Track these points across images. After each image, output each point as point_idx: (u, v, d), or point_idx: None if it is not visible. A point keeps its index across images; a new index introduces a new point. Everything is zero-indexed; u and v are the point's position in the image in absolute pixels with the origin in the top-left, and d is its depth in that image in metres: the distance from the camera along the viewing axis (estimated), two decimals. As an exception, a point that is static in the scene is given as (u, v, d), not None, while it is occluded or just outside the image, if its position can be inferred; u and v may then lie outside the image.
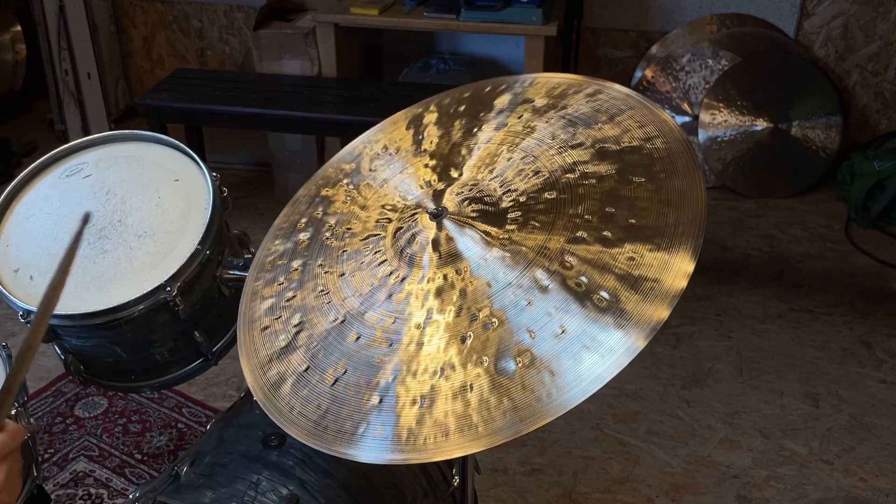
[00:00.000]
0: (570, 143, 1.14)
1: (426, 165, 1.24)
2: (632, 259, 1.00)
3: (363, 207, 1.24)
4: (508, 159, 1.16)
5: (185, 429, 2.37)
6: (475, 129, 1.24)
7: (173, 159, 1.59)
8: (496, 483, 2.19)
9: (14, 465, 0.94)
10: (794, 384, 2.51)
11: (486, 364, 0.98)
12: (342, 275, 1.15)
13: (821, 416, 2.40)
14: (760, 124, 3.44)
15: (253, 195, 3.51)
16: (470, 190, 1.15)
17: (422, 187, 1.20)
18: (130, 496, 1.32)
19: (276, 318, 1.16)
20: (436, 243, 1.11)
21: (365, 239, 1.18)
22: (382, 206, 1.22)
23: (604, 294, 0.98)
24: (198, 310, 1.50)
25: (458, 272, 1.07)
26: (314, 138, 3.41)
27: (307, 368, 1.08)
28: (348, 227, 1.22)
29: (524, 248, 1.05)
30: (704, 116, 3.45)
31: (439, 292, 1.06)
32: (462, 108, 1.30)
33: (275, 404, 1.08)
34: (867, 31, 3.46)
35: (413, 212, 1.17)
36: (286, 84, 3.28)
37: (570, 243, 1.03)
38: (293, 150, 3.43)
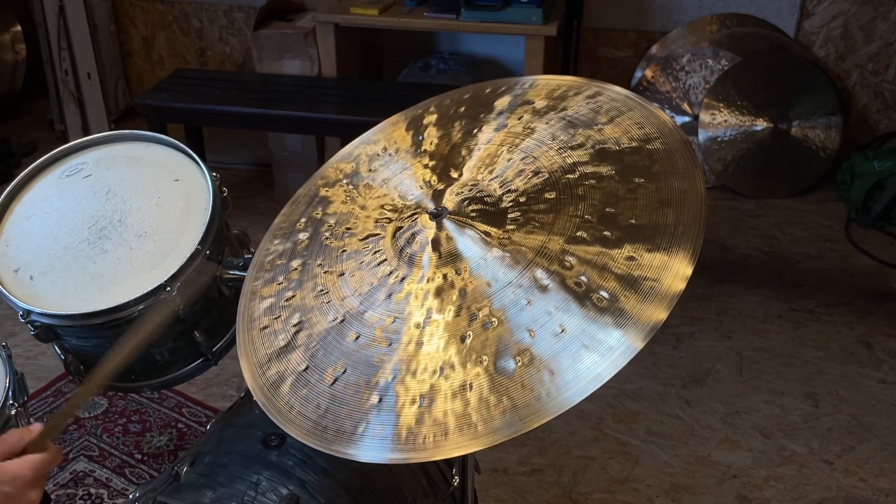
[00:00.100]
0: (569, 144, 1.15)
1: (426, 166, 1.24)
2: (631, 259, 1.00)
3: (363, 207, 1.24)
4: (508, 160, 1.16)
5: (185, 429, 2.37)
6: (475, 130, 1.24)
7: (173, 159, 1.59)
8: (496, 483, 2.19)
9: (43, 484, 0.99)
10: (794, 384, 2.51)
11: (485, 363, 0.98)
12: (341, 274, 1.15)
13: (821, 416, 2.40)
14: (760, 124, 3.44)
15: (253, 195, 3.51)
16: (470, 190, 1.15)
17: (421, 187, 1.20)
18: (130, 496, 1.32)
19: (276, 318, 1.16)
20: (435, 243, 1.11)
21: (364, 239, 1.18)
22: (382, 206, 1.22)
23: (603, 294, 0.98)
24: (198, 310, 1.50)
25: (457, 272, 1.07)
26: (314, 138, 3.41)
27: (306, 368, 1.08)
28: (348, 227, 1.22)
29: (524, 248, 1.05)
30: (704, 116, 3.46)
31: (439, 292, 1.06)
32: (462, 109, 1.30)
33: (274, 404, 1.08)
34: (867, 31, 3.46)
35: (413, 212, 1.17)
36: (286, 84, 3.28)
37: (569, 243, 1.04)
38: (293, 150, 3.43)
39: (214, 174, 1.53)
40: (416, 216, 1.15)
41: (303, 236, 1.25)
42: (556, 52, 3.43)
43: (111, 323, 1.42)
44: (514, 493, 2.16)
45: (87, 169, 1.59)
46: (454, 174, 1.19)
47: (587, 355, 0.95)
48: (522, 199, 1.10)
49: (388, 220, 1.19)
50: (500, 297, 1.02)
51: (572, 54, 3.56)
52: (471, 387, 0.97)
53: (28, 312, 1.41)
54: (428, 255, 1.10)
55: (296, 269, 1.21)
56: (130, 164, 1.59)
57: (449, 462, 1.47)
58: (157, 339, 1.50)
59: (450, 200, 1.14)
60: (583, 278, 1.00)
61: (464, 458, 1.36)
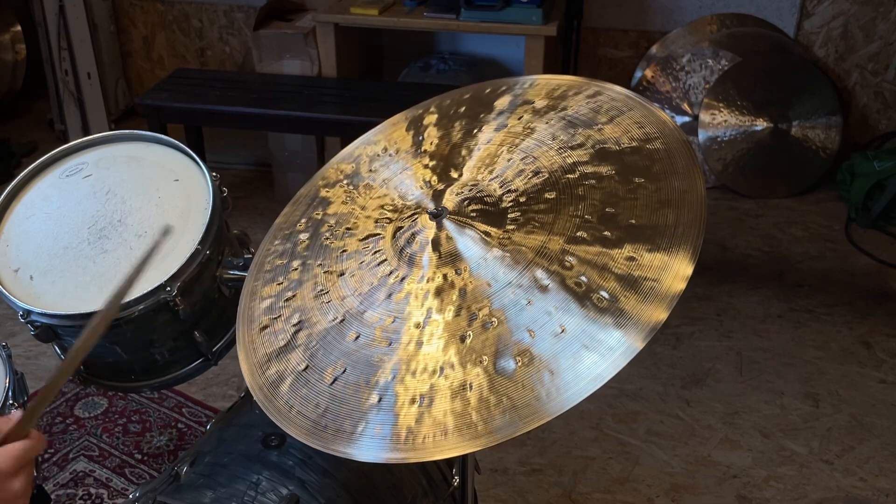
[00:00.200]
0: (569, 144, 1.15)
1: (426, 166, 1.24)
2: (631, 259, 1.00)
3: (363, 208, 1.24)
4: (508, 160, 1.16)
5: (185, 429, 2.37)
6: (475, 130, 1.24)
7: (173, 159, 1.59)
8: (496, 483, 2.19)
9: (30, 473, 0.96)
10: (794, 384, 2.51)
11: (485, 363, 0.98)
12: (341, 274, 1.15)
13: (821, 416, 2.40)
14: (760, 124, 3.44)
15: (253, 195, 3.51)
16: (470, 190, 1.15)
17: (422, 187, 1.20)
18: (130, 496, 1.32)
19: (276, 318, 1.16)
20: (435, 243, 1.11)
21: (364, 239, 1.18)
22: (382, 207, 1.22)
23: (603, 294, 0.98)
24: (198, 310, 1.50)
25: (457, 272, 1.07)
26: (314, 138, 3.41)
27: (306, 368, 1.08)
28: (348, 227, 1.22)
29: (524, 248, 1.05)
30: (704, 116, 3.46)
31: (439, 292, 1.06)
32: (462, 109, 1.30)
33: (274, 403, 1.08)
34: (867, 31, 3.46)
35: (413, 212, 1.17)
36: (286, 84, 3.28)
37: (569, 243, 1.04)
38: (293, 150, 3.43)
39: (214, 174, 1.53)
40: (416, 216, 1.16)
41: (303, 237, 1.25)
42: (556, 52, 3.43)
43: (111, 323, 1.41)
44: (514, 493, 2.16)
45: (87, 169, 1.59)
46: (454, 174, 1.19)
47: (587, 355, 0.95)
48: (522, 199, 1.10)
49: (388, 221, 1.19)
50: (500, 297, 1.02)
51: (572, 54, 3.56)
52: (470, 387, 0.98)
53: (28, 312, 1.41)
54: (428, 255, 1.10)
55: (296, 269, 1.21)
56: (130, 164, 1.59)
57: (449, 462, 1.47)
58: (157, 339, 1.51)
59: (450, 200, 1.14)
60: (583, 278, 1.00)
61: (464, 458, 1.36)
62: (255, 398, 1.10)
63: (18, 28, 4.03)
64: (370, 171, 1.30)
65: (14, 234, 1.52)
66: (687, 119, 3.51)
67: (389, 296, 1.09)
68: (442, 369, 1.00)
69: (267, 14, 3.47)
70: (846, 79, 3.56)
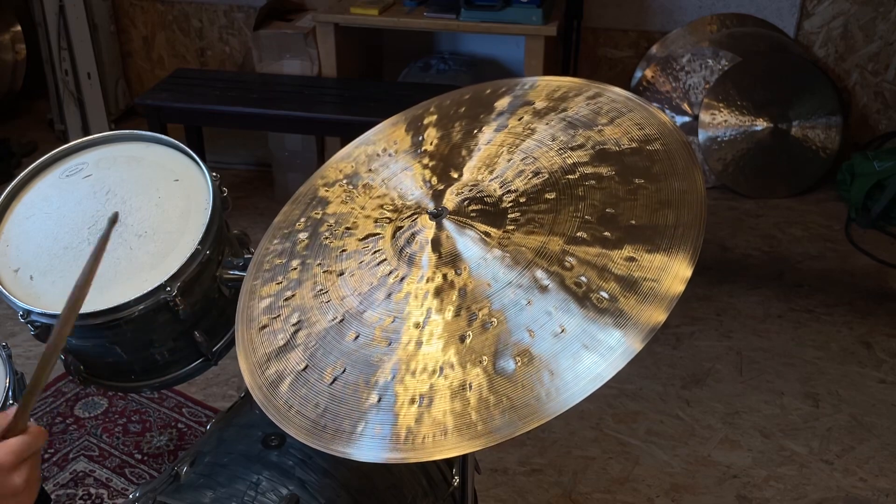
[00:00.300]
0: (570, 145, 1.15)
1: (426, 166, 1.24)
2: (631, 260, 1.00)
3: (362, 207, 1.24)
4: (508, 160, 1.17)
5: (185, 429, 2.37)
6: (475, 131, 1.24)
7: (173, 159, 1.59)
8: (496, 483, 2.19)
9: (35, 468, 0.96)
10: (794, 384, 2.52)
11: (485, 363, 0.98)
12: (341, 274, 1.15)
13: (821, 416, 2.40)
14: (760, 124, 3.44)
15: (253, 195, 3.51)
16: (470, 190, 1.15)
17: (421, 187, 1.21)
18: (130, 496, 1.32)
19: (275, 317, 1.16)
20: (435, 243, 1.11)
21: (364, 238, 1.18)
22: (382, 206, 1.22)
23: (603, 294, 0.98)
24: (198, 310, 1.50)
25: (457, 272, 1.07)
26: (314, 138, 3.41)
27: (305, 367, 1.08)
28: (347, 226, 1.22)
29: (524, 249, 1.05)
30: (704, 116, 3.46)
31: (438, 292, 1.06)
32: (462, 109, 1.30)
33: (273, 403, 1.08)
34: (867, 31, 3.46)
35: (413, 212, 1.17)
36: (286, 84, 3.28)
37: (569, 244, 1.04)
38: (293, 150, 3.43)
39: (214, 174, 1.53)
40: (416, 216, 1.16)
41: (302, 236, 1.25)
42: (556, 52, 3.43)
43: (111, 323, 1.42)
44: (514, 493, 2.16)
45: (87, 169, 1.59)
46: (454, 174, 1.19)
47: (587, 355, 0.95)
48: (522, 200, 1.10)
49: (387, 220, 1.19)
50: (499, 297, 1.03)
51: (572, 54, 3.56)
52: (470, 387, 0.98)
53: (28, 312, 1.41)
54: (428, 255, 1.10)
55: (295, 268, 1.21)
56: (130, 164, 1.59)
57: (449, 462, 1.47)
58: (157, 339, 1.51)
59: (450, 200, 1.14)
60: (582, 279, 1.00)
61: (464, 458, 1.36)
62: (253, 397, 1.10)
63: (18, 28, 4.03)
64: (369, 170, 1.30)
65: (14, 234, 1.52)
66: (687, 119, 3.51)
67: (389, 296, 1.09)
68: (441, 369, 1.00)
69: (267, 14, 3.47)
70: (846, 79, 3.56)
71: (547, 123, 1.19)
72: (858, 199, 3.28)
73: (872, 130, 3.61)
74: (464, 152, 1.22)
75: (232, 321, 1.55)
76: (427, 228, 1.13)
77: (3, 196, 1.55)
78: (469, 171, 1.18)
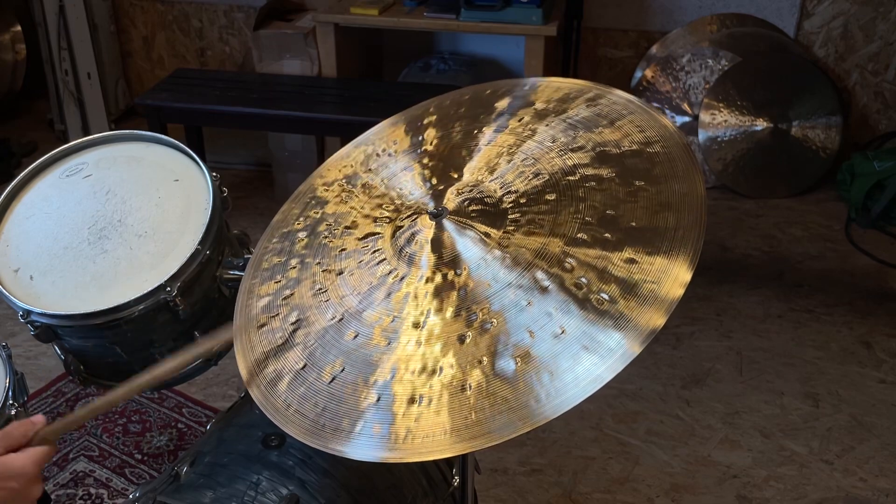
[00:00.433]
0: (570, 147, 1.15)
1: (426, 166, 1.24)
2: (631, 262, 1.00)
3: (361, 207, 1.24)
4: (509, 161, 1.17)
5: (185, 429, 2.37)
6: (475, 132, 1.24)
7: (173, 159, 1.59)
8: (496, 483, 2.19)
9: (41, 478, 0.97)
10: (794, 384, 2.52)
11: (484, 364, 0.98)
12: (340, 273, 1.15)
13: (821, 416, 2.40)
14: (760, 124, 3.44)
15: (253, 195, 3.51)
16: (470, 191, 1.15)
17: (421, 187, 1.21)
18: (130, 496, 1.32)
19: (273, 316, 1.16)
20: (435, 243, 1.11)
21: (363, 238, 1.18)
22: (381, 206, 1.22)
23: (603, 296, 0.98)
24: (198, 310, 1.50)
25: (457, 272, 1.07)
26: (314, 138, 3.41)
27: (304, 366, 1.08)
28: (346, 226, 1.22)
29: (524, 250, 1.05)
30: (704, 116, 3.46)
31: (438, 292, 1.06)
32: (462, 109, 1.30)
33: (271, 402, 1.08)
34: (867, 31, 3.46)
35: (412, 212, 1.17)
36: (286, 84, 3.28)
37: (569, 245, 1.04)
38: (293, 150, 3.43)
39: (214, 174, 1.53)
40: (415, 216, 1.15)
41: (301, 235, 1.25)
42: (556, 52, 3.43)
43: (111, 323, 1.42)
44: (514, 493, 2.16)
45: (87, 169, 1.59)
46: (454, 175, 1.19)
47: (587, 357, 0.95)
48: (523, 201, 1.10)
49: (387, 220, 1.19)
50: (499, 297, 1.02)
51: (572, 54, 3.56)
52: (470, 387, 0.98)
53: (28, 312, 1.41)
54: (427, 255, 1.10)
55: (294, 267, 1.21)
56: (130, 164, 1.59)
57: (449, 462, 1.47)
58: (157, 339, 1.51)
59: (450, 201, 1.14)
60: (583, 280, 1.00)
61: (464, 458, 1.36)
62: (252, 396, 1.10)
63: (18, 28, 4.04)
64: (369, 170, 1.30)
65: (14, 234, 1.52)
66: (687, 119, 3.51)
67: (388, 295, 1.09)
68: (441, 369, 1.00)
69: (267, 14, 3.47)
70: (846, 79, 3.56)
71: (547, 125, 1.19)
72: (858, 199, 3.28)
73: (872, 130, 3.61)
74: (464, 153, 1.22)
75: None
76: (427, 228, 1.13)
77: (3, 196, 1.55)
78: (469, 172, 1.18)
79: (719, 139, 3.46)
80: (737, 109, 3.44)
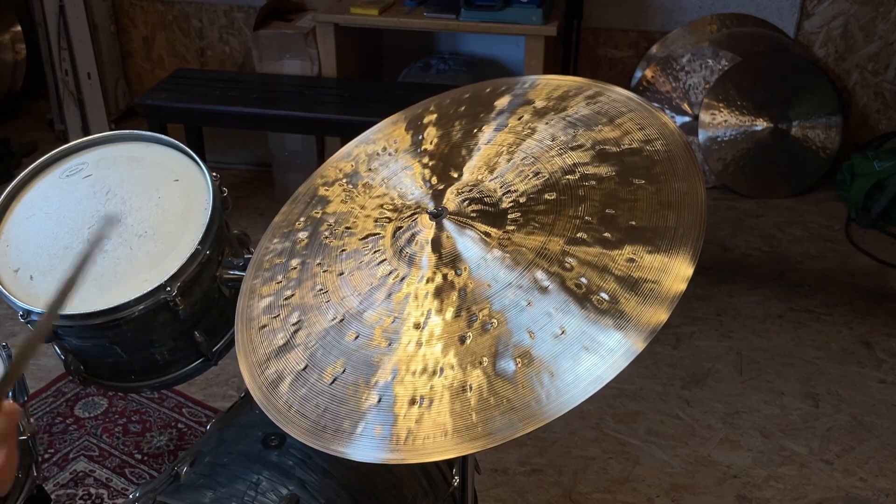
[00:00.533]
0: (570, 145, 1.15)
1: (426, 165, 1.24)
2: (632, 261, 1.00)
3: (362, 207, 1.24)
4: (508, 160, 1.16)
5: (185, 429, 2.37)
6: (475, 130, 1.24)
7: (173, 159, 1.59)
8: (496, 483, 2.19)
9: (12, 446, 0.94)
10: (794, 384, 2.51)
11: (485, 364, 0.98)
12: (341, 274, 1.15)
13: (821, 416, 2.40)
14: (760, 124, 3.44)
15: (253, 195, 3.51)
16: (470, 190, 1.15)
17: (421, 187, 1.20)
18: (130, 496, 1.32)
19: (275, 317, 1.16)
20: (435, 243, 1.11)
21: (364, 238, 1.18)
22: (381, 206, 1.22)
23: (604, 295, 0.98)
24: (198, 310, 1.50)
25: (457, 272, 1.07)
26: (314, 138, 3.41)
27: (305, 367, 1.08)
28: (347, 226, 1.22)
29: (524, 249, 1.05)
30: (704, 116, 3.45)
31: (439, 292, 1.06)
32: (462, 108, 1.30)
33: (273, 403, 1.08)
34: (867, 31, 3.46)
35: (413, 212, 1.17)
36: (286, 84, 3.28)
37: (570, 244, 1.03)
38: (293, 150, 3.43)
39: (214, 174, 1.53)
40: (416, 216, 1.15)
41: (302, 235, 1.25)
42: (556, 52, 3.43)
43: (111, 323, 1.42)
44: (514, 493, 2.16)
45: (87, 169, 1.59)
46: (454, 174, 1.19)
47: (587, 357, 0.95)
48: (522, 200, 1.10)
49: (387, 220, 1.19)
50: (500, 298, 1.02)
51: (572, 54, 3.56)
52: (470, 388, 0.97)
53: (28, 312, 1.41)
54: (428, 256, 1.10)
55: (295, 268, 1.21)
56: (130, 164, 1.59)
57: (449, 462, 1.47)
58: (157, 339, 1.51)
59: (450, 200, 1.14)
60: (583, 280, 1.00)
61: (464, 458, 1.36)
62: (253, 397, 1.10)
63: (18, 28, 4.03)
64: (369, 170, 1.30)
65: (14, 234, 1.52)
66: (687, 119, 3.51)
67: (389, 296, 1.09)
68: (442, 370, 1.00)
69: (267, 14, 3.47)
70: (846, 79, 3.56)
71: (547, 123, 1.19)
72: (858, 199, 3.28)
73: (872, 130, 3.61)
74: (464, 152, 1.22)
75: (232, 321, 1.56)
76: (427, 228, 1.13)
77: (3, 196, 1.55)
78: (469, 171, 1.18)
79: (719, 139, 3.46)
80: (737, 109, 3.44)
